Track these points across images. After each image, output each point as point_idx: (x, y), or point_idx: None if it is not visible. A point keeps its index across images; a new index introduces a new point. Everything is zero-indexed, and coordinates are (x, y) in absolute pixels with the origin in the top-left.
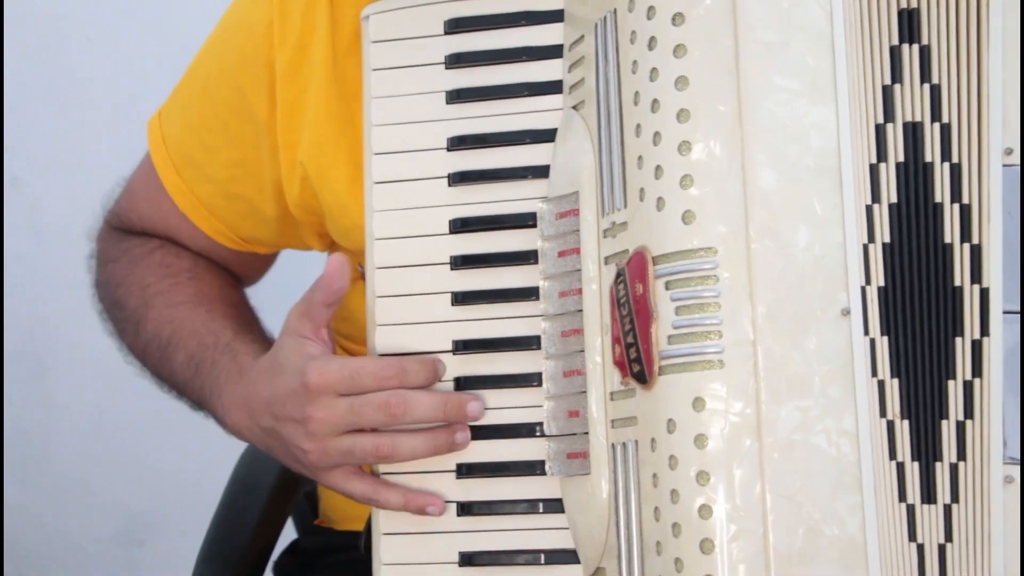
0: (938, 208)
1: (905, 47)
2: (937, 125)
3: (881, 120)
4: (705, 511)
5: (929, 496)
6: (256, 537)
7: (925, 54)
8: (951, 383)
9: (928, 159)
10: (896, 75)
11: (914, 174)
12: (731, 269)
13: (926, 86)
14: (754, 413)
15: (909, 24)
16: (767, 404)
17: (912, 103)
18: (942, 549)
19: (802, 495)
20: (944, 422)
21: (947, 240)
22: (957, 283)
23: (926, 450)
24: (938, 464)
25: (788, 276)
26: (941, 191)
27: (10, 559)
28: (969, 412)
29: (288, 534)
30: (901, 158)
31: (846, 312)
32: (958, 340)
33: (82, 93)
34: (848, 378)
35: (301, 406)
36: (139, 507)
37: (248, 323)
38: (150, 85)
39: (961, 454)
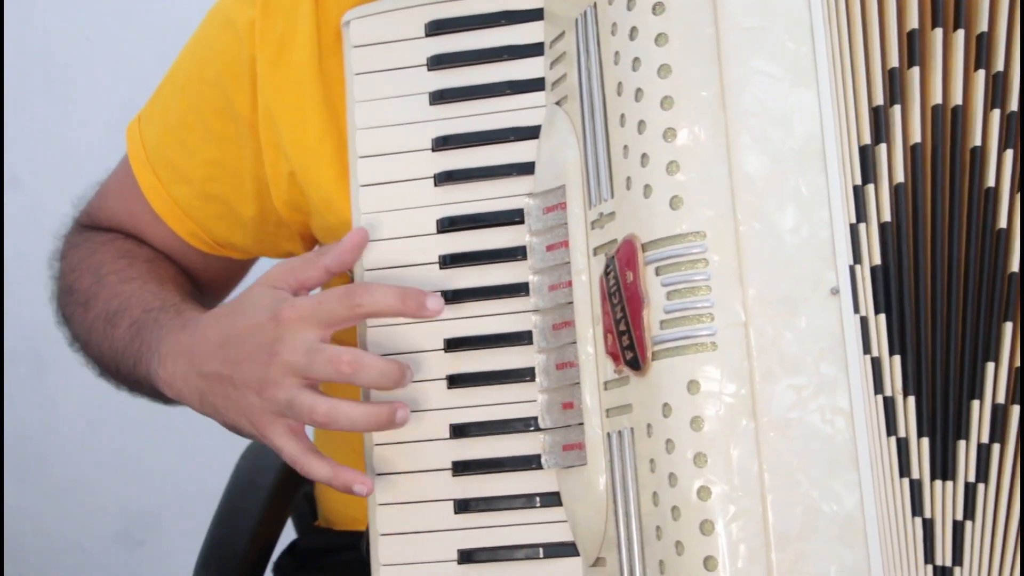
0: (990, 193)
1: (937, 32)
2: (996, 112)
3: (881, 102)
4: (704, 493)
5: (944, 472)
6: (256, 537)
7: (982, 41)
8: (990, 365)
9: (977, 143)
10: (914, 58)
11: (949, 158)
12: (720, 252)
13: (980, 72)
14: (748, 393)
15: (956, 9)
16: (761, 384)
17: (952, 88)
18: (958, 526)
19: (799, 473)
20: (975, 402)
21: (1001, 226)
22: (1014, 269)
23: (943, 427)
24: (960, 442)
25: (777, 257)
26: (996, 177)
27: (10, 559)
28: (1018, 397)
29: (288, 534)
30: (916, 140)
31: (835, 291)
32: (1006, 325)
33: (82, 93)
34: (840, 356)
35: (269, 342)
36: (139, 507)
37: (196, 300)
38: (150, 85)
39: (998, 435)
